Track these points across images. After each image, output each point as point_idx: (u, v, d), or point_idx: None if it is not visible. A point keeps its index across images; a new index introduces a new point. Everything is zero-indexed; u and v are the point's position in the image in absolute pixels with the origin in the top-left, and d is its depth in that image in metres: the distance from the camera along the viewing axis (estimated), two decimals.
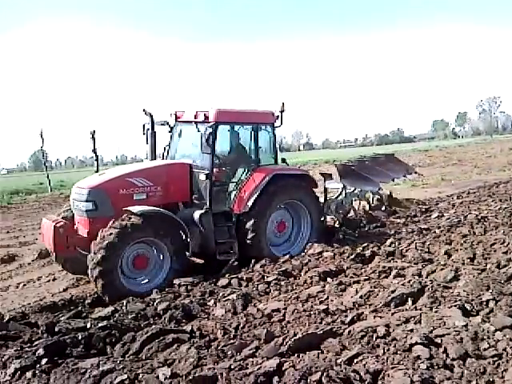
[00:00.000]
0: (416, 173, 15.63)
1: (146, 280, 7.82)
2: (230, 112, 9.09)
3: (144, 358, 4.61)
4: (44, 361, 4.49)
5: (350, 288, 6.17)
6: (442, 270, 6.41)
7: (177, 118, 9.52)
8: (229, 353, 4.50)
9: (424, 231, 9.98)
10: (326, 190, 11.49)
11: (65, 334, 5.16)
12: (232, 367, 4.05)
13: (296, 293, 6.27)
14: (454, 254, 7.43)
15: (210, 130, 8.51)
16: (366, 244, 8.89)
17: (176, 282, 7.46)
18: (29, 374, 4.30)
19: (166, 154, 9.79)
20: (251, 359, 4.25)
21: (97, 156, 29.24)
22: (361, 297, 5.71)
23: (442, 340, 4.18)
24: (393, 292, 5.50)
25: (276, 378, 3.81)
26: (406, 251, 8.00)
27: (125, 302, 6.59)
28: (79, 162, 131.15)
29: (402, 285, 5.76)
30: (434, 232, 9.74)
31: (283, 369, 3.93)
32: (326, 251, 8.53)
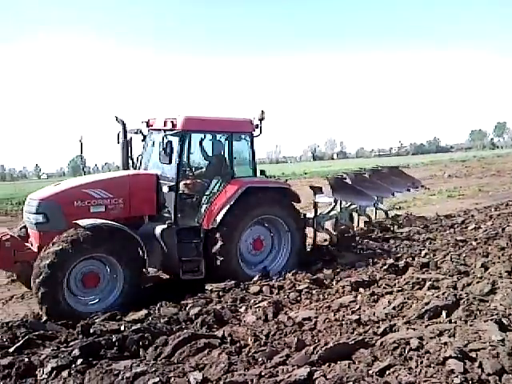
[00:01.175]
0: (423, 186, 14.98)
1: (97, 299, 7.20)
2: (200, 120, 8.48)
3: (176, 361, 4.66)
4: (79, 361, 4.60)
5: (383, 299, 6.10)
6: (478, 282, 6.26)
7: (148, 125, 8.94)
8: (259, 360, 4.51)
9: (460, 243, 9.75)
10: (315, 204, 10.39)
11: (99, 336, 5.28)
12: (262, 374, 4.06)
13: (327, 302, 6.23)
14: (491, 267, 7.23)
15: (170, 138, 7.98)
16: (399, 255, 8.76)
17: (208, 287, 7.51)
18: (65, 374, 4.41)
19: (138, 163, 9.20)
20: (282, 367, 4.24)
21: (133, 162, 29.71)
22: (394, 308, 5.63)
23: (477, 354, 4.08)
24: (427, 304, 5.40)
25: None
26: (441, 263, 7.84)
27: (158, 305, 6.69)
28: (116, 167, 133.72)
29: (437, 297, 5.65)
30: (471, 244, 9.52)
31: (314, 378, 3.91)
32: (359, 261, 8.45)
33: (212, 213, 8.17)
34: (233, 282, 7.88)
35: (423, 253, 8.84)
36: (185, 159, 8.68)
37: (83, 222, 7.12)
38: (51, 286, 6.63)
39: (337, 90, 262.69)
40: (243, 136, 8.87)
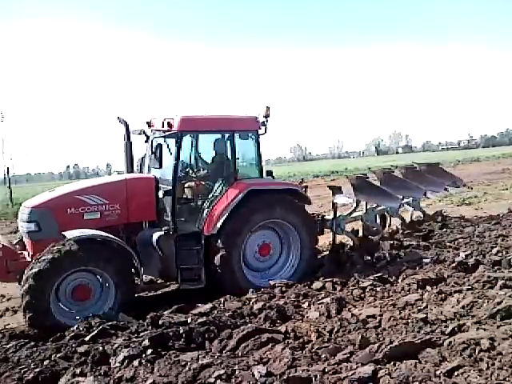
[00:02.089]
0: (465, 185, 13.91)
1: (88, 313, 6.71)
2: (198, 119, 8.07)
3: (240, 354, 4.76)
4: (149, 351, 4.81)
5: (451, 297, 5.89)
6: None
7: (150, 126, 8.44)
8: (323, 356, 4.51)
9: None
10: (334, 205, 9.72)
11: (168, 328, 5.49)
12: (326, 370, 4.06)
13: (392, 300, 6.11)
14: None
15: (159, 141, 7.80)
16: (469, 252, 8.42)
17: (271, 282, 7.58)
18: (136, 363, 4.62)
19: (139, 166, 8.86)
20: (345, 364, 4.22)
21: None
22: (463, 307, 5.43)
23: None
24: (498, 304, 5.16)
25: None
26: None
27: (222, 299, 6.84)
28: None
29: (510, 296, 5.39)
30: None
31: (378, 376, 3.87)
32: (425, 258, 8.20)
33: (212, 218, 7.73)
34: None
35: (495, 250, 8.44)
36: (188, 161, 8.41)
37: (71, 234, 6.87)
38: (35, 296, 6.42)
39: (402, 80, 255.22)
40: (248, 135, 8.36)
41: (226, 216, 7.66)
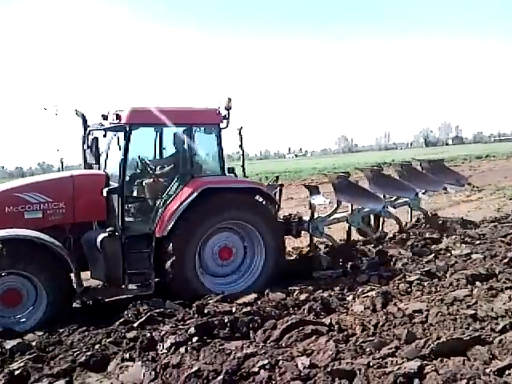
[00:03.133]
0: (470, 184, 12.84)
1: (24, 319, 6.34)
2: (150, 111, 7.32)
3: (284, 345, 4.79)
4: (195, 339, 4.91)
5: (502, 294, 5.70)
6: None
7: (106, 119, 7.53)
8: (367, 349, 4.47)
9: None
10: (311, 206, 9.09)
11: (213, 316, 5.58)
12: (371, 364, 4.02)
13: (440, 295, 5.97)
14: None
15: (97, 134, 7.28)
16: None
17: (315, 274, 7.56)
18: (182, 350, 4.73)
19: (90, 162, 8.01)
20: (390, 358, 4.17)
21: (243, 151, 30.62)
22: None
23: None
24: None
25: (417, 381, 3.69)
26: None
27: (266, 290, 6.89)
28: (227, 156, 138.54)
29: None
30: None
31: (425, 372, 3.79)
32: (476, 253, 7.95)
33: (164, 219, 7.11)
34: (340, 270, 7.83)
35: None
36: (143, 156, 7.86)
37: None
38: None
39: (453, 69, 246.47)
40: (208, 129, 7.76)
41: (177, 217, 7.04)
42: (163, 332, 5.26)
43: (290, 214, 9.29)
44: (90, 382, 4.24)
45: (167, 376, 4.33)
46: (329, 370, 3.98)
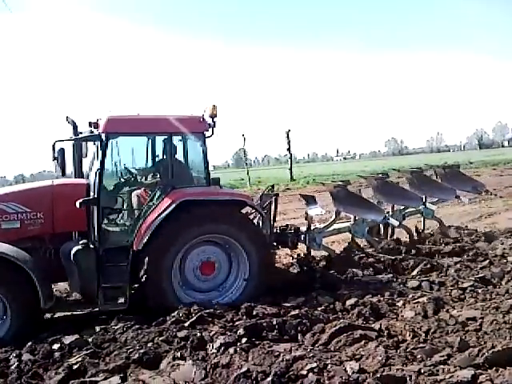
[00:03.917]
0: (487, 191, 11.87)
1: None
2: (128, 120, 7.11)
3: (332, 349, 4.79)
4: (244, 340, 4.98)
5: None
6: None
7: (95, 127, 7.23)
8: (418, 356, 4.40)
9: None
10: (307, 216, 8.66)
11: (261, 318, 5.65)
12: (422, 371, 3.97)
13: (495, 302, 5.78)
14: None
15: (61, 145, 6.87)
16: None
17: (364, 279, 7.47)
18: (231, 350, 4.79)
19: (78, 171, 7.97)
20: (442, 366, 4.09)
21: (291, 154, 30.71)
22: None
23: None
24: None
25: None
26: None
27: (314, 294, 6.88)
28: (274, 159, 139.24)
29: None
30: None
31: (479, 381, 3.72)
32: None
33: (141, 231, 6.85)
34: (390, 275, 7.70)
35: None
36: (126, 166, 7.73)
37: None
38: None
39: (508, 67, 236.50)
40: (192, 137, 7.47)
41: (152, 230, 6.74)
42: (213, 332, 5.37)
43: (287, 225, 8.95)
44: (144, 379, 4.38)
45: (217, 375, 4.43)
46: (378, 375, 3.95)
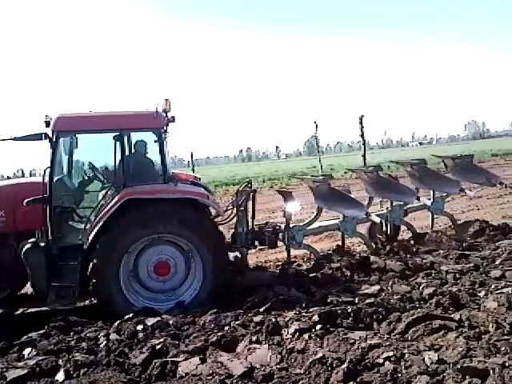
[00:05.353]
0: (502, 183, 10.40)
1: None
2: (77, 117, 7.13)
3: (409, 339, 4.69)
4: (318, 326, 5.00)
5: None
6: None
7: (48, 126, 7.12)
8: (502, 349, 4.20)
9: None
10: (285, 213, 8.35)
11: (336, 306, 5.66)
12: (506, 365, 3.79)
13: None
14: None
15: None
16: None
17: (443, 268, 7.22)
18: (306, 336, 4.84)
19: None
20: None
21: (364, 140, 30.11)
22: None
23: None
24: None
25: None
26: None
27: (390, 282, 6.76)
28: (347, 146, 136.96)
29: None
30: None
31: None
32: None
33: (89, 231, 6.85)
34: (471, 264, 7.38)
35: None
36: (82, 164, 7.76)
37: None
38: None
39: None
40: (147, 133, 7.39)
41: (97, 229, 6.70)
42: (287, 318, 5.45)
43: (267, 223, 8.70)
44: (222, 361, 4.52)
45: (292, 360, 4.51)
46: (458, 366, 3.83)
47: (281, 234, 8.31)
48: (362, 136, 31.67)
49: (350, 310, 5.37)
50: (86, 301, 6.98)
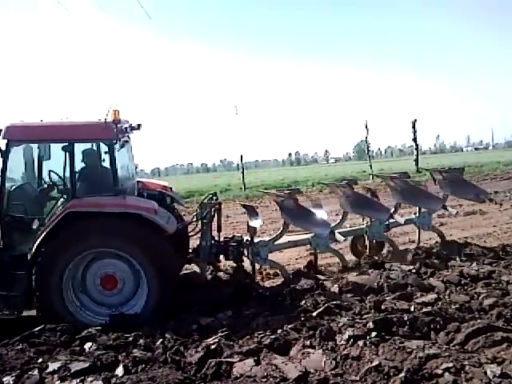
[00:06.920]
0: (491, 200, 10.01)
1: None
2: (27, 127, 7.16)
3: (469, 350, 4.55)
4: (373, 334, 4.91)
5: None
6: None
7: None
8: None
9: None
10: (250, 229, 8.05)
11: (391, 313, 5.54)
12: None
13: None
14: None
15: None
16: None
17: (504, 278, 6.94)
18: (361, 343, 4.77)
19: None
20: None
21: (417, 145, 29.42)
22: None
23: None
24: None
25: None
26: None
27: (447, 291, 6.56)
28: (398, 151, 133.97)
29: None
30: None
31: None
32: None
33: (34, 241, 6.78)
34: None
35: None
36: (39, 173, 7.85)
37: None
38: None
39: None
40: (98, 144, 7.36)
41: (39, 240, 6.66)
42: (341, 324, 5.39)
43: (233, 236, 8.36)
44: (276, 364, 4.53)
45: (347, 367, 4.45)
46: None
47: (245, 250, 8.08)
48: (415, 140, 30.98)
49: (406, 318, 5.25)
50: (33, 310, 6.92)
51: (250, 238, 7.98)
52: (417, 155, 31.16)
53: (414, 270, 7.54)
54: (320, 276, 8.06)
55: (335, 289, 7.02)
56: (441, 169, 10.26)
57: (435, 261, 8.17)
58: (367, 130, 33.61)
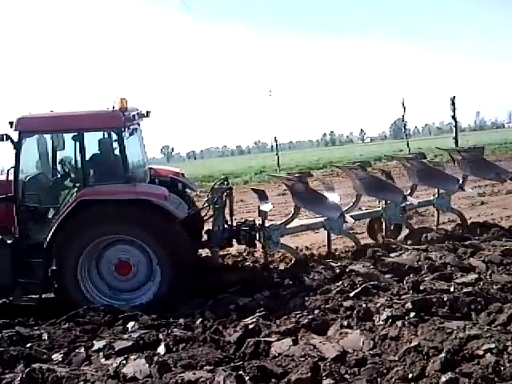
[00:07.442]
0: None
1: None
2: (38, 118, 7.28)
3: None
4: (412, 314, 4.88)
5: None
6: None
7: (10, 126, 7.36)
8: None
9: None
10: (260, 213, 7.91)
11: (429, 294, 5.46)
12: None
13: None
14: None
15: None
16: None
17: None
18: (399, 323, 4.74)
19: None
20: None
21: (456, 122, 28.59)
22: None
23: None
24: None
25: None
26: None
27: (489, 271, 6.42)
28: (436, 128, 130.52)
29: None
30: None
31: None
32: None
33: (49, 229, 6.96)
34: None
35: None
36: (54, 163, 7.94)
37: None
38: None
39: None
40: (105, 133, 7.47)
41: (55, 228, 6.85)
42: (378, 304, 5.36)
43: (246, 220, 8.34)
44: (314, 343, 4.57)
45: (385, 347, 4.45)
46: None
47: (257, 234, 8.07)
48: (454, 118, 30.08)
49: (446, 299, 5.17)
50: (52, 294, 7.20)
51: (261, 222, 7.97)
52: (456, 133, 30.27)
53: (452, 250, 7.40)
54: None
55: (372, 269, 6.98)
56: (460, 148, 10.11)
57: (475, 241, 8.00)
58: (404, 108, 32.72)
